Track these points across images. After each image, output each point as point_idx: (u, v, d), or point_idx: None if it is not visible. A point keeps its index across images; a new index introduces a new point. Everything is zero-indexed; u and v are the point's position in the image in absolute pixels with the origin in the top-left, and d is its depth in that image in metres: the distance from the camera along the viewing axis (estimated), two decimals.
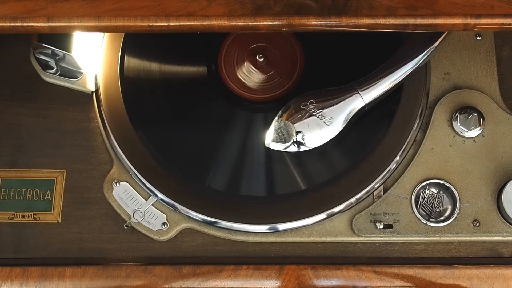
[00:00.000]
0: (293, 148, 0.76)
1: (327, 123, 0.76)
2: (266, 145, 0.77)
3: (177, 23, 0.59)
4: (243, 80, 0.82)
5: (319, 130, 0.76)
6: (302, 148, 0.76)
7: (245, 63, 0.83)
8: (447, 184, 0.77)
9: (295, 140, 0.75)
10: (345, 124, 0.76)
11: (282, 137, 0.76)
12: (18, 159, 0.81)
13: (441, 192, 0.78)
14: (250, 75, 0.82)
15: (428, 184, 0.78)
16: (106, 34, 0.84)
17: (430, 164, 0.79)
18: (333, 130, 0.76)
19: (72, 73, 0.83)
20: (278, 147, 0.76)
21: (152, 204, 0.79)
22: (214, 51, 0.84)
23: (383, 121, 0.80)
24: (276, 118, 0.77)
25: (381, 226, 0.76)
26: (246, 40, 0.84)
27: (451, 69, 0.83)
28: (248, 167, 0.80)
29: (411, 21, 0.59)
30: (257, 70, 0.82)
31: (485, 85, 0.82)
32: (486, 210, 0.77)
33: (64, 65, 0.83)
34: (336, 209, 0.77)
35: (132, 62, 0.83)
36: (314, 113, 0.76)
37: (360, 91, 0.76)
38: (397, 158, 0.79)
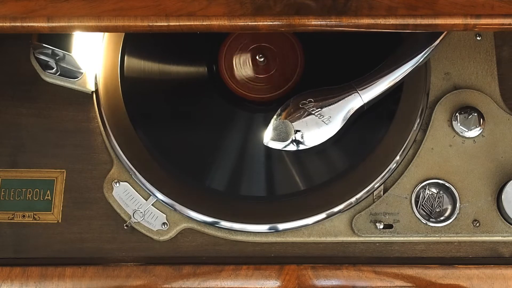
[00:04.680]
0: (292, 147, 0.76)
1: (326, 122, 0.76)
2: (265, 144, 0.76)
3: (177, 23, 0.59)
4: (237, 74, 0.82)
5: (318, 129, 0.76)
6: (301, 147, 0.76)
7: (245, 62, 0.83)
8: (447, 184, 0.77)
9: (293, 138, 0.75)
10: (343, 123, 0.76)
11: (281, 136, 0.76)
12: (18, 159, 0.81)
13: (441, 192, 0.78)
14: (245, 72, 0.82)
15: (428, 184, 0.78)
16: (106, 34, 0.85)
17: (430, 164, 0.79)
18: (332, 129, 0.76)
19: (72, 73, 0.83)
20: (277, 145, 0.76)
21: (152, 204, 0.79)
22: (214, 51, 0.84)
23: (383, 121, 0.80)
24: (275, 116, 0.76)
25: (381, 226, 0.76)
26: (247, 39, 0.84)
27: (451, 69, 0.83)
28: (248, 167, 0.80)
29: (411, 21, 0.59)
30: (257, 69, 0.82)
31: (485, 85, 0.82)
32: (486, 210, 0.77)
33: (64, 65, 0.83)
34: (336, 209, 0.77)
35: (132, 62, 0.83)
36: (313, 112, 0.76)
37: (359, 90, 0.76)
38: (397, 158, 0.79)
